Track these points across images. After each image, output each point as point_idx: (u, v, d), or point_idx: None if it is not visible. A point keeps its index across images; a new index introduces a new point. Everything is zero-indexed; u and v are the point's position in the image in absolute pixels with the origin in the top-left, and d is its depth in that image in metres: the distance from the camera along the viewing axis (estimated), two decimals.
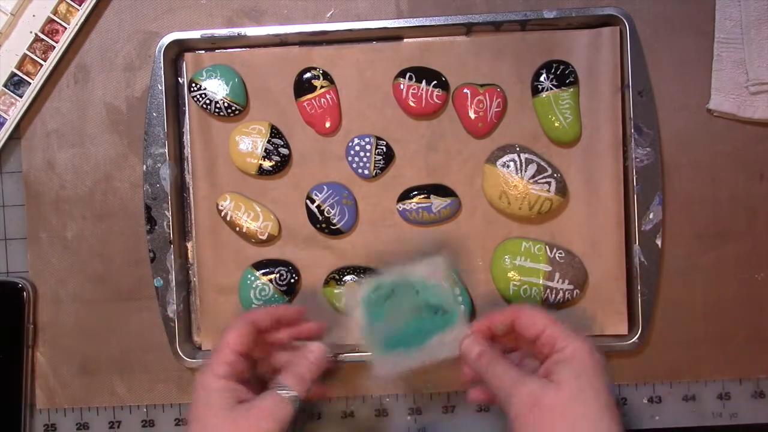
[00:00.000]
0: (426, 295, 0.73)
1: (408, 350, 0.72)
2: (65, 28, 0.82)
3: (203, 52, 0.82)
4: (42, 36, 0.82)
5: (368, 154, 0.81)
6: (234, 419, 0.64)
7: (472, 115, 0.80)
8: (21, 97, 0.83)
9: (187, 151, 0.83)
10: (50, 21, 0.82)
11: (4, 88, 0.82)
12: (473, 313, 0.82)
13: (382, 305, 0.73)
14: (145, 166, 0.80)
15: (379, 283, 0.74)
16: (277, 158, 0.81)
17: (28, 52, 0.82)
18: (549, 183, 0.79)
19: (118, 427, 0.85)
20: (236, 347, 0.68)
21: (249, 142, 0.81)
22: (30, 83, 0.83)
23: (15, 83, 0.83)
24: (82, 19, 0.82)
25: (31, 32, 0.82)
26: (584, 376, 0.64)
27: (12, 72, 0.82)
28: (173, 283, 0.81)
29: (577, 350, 0.65)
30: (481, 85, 0.80)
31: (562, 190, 0.79)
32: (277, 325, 0.74)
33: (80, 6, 0.82)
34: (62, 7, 0.82)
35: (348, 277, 0.81)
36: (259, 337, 0.71)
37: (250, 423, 0.64)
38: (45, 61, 0.82)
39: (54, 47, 0.82)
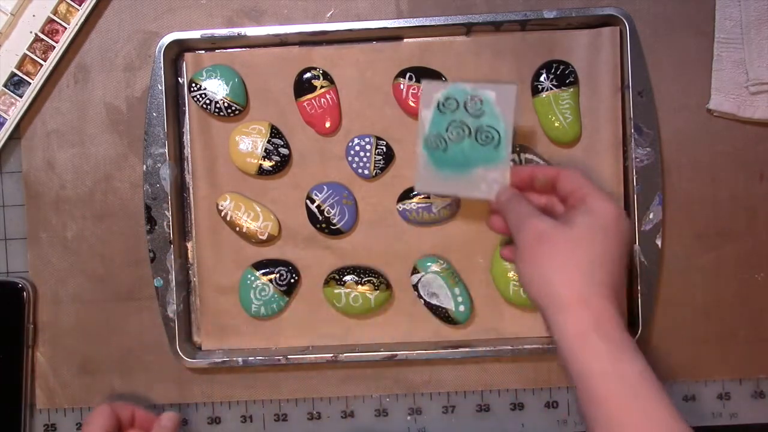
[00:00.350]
0: (489, 119, 0.73)
1: (453, 173, 0.74)
2: (65, 28, 0.82)
3: (203, 52, 0.82)
4: (42, 36, 0.82)
5: (368, 154, 0.81)
6: None
7: None
8: (21, 97, 0.83)
9: (187, 151, 0.83)
10: (50, 21, 0.82)
11: (4, 88, 0.82)
12: (473, 313, 0.82)
13: (448, 115, 0.74)
14: (145, 166, 0.80)
15: (455, 90, 0.74)
16: (277, 158, 0.81)
17: (28, 52, 0.82)
18: None
19: None
20: (104, 425, 0.73)
21: (249, 142, 0.81)
22: (30, 83, 0.83)
23: (15, 83, 0.83)
24: (82, 19, 0.82)
25: (31, 32, 0.82)
26: (598, 230, 0.65)
27: (12, 72, 0.82)
28: (173, 283, 0.81)
29: (604, 209, 0.65)
30: None
31: None
32: (131, 422, 0.77)
33: (80, 6, 0.82)
34: (62, 7, 0.82)
35: (348, 277, 0.80)
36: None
37: None
38: (45, 61, 0.82)
39: (54, 47, 0.82)
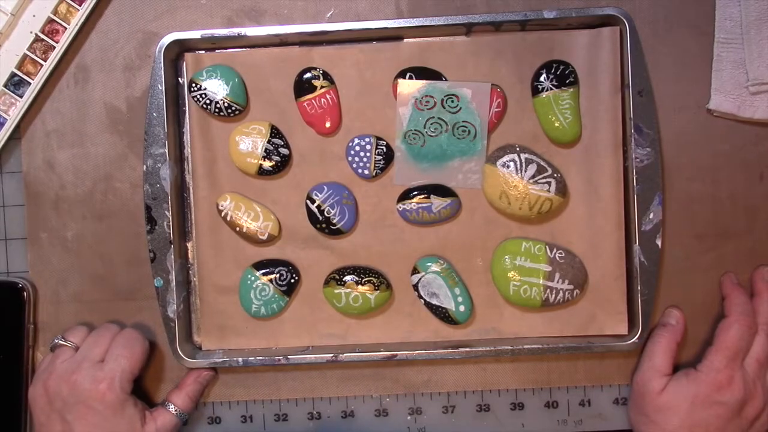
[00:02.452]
0: (465, 115, 0.80)
1: (431, 165, 0.81)
2: (65, 29, 0.82)
3: (203, 52, 0.82)
4: (42, 36, 0.82)
5: (368, 154, 0.81)
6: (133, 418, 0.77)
7: None
8: (21, 97, 0.83)
9: (188, 151, 0.83)
10: (50, 21, 0.82)
11: (4, 89, 0.82)
12: (473, 313, 0.82)
13: (426, 112, 0.80)
14: (145, 166, 0.80)
15: (432, 88, 0.80)
16: (278, 158, 0.81)
17: (28, 53, 0.82)
18: (549, 183, 0.79)
19: None
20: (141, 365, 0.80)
21: (249, 142, 0.81)
22: (30, 83, 0.83)
23: (15, 83, 0.83)
24: (82, 20, 0.82)
25: (31, 32, 0.82)
26: (695, 401, 0.75)
27: (12, 72, 0.82)
28: (173, 283, 0.81)
29: (713, 378, 0.75)
30: None
31: (562, 190, 0.79)
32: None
33: (80, 6, 0.82)
34: (62, 8, 0.82)
35: (348, 277, 0.80)
36: None
37: (148, 426, 0.78)
38: (45, 61, 0.82)
39: (54, 47, 0.82)
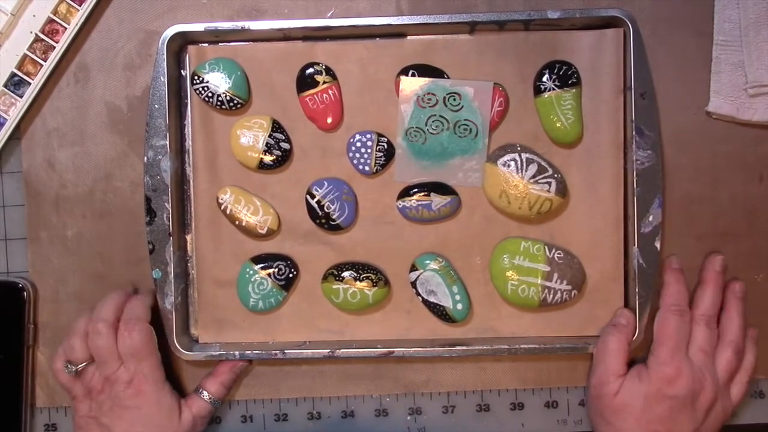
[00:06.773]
0: (467, 114, 0.80)
1: (431, 163, 0.81)
2: (65, 28, 0.82)
3: (206, 45, 0.82)
4: (42, 36, 0.82)
5: (369, 150, 0.81)
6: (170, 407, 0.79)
7: None
8: (21, 97, 0.83)
9: (189, 143, 0.83)
10: (50, 21, 0.82)
11: (4, 89, 0.82)
12: (470, 312, 0.82)
13: (428, 110, 0.80)
14: (146, 158, 0.80)
15: (434, 86, 0.80)
16: (278, 153, 0.81)
17: (28, 53, 0.82)
18: (549, 183, 0.79)
19: None
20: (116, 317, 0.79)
21: (250, 136, 0.81)
22: (30, 83, 0.82)
23: (15, 83, 0.83)
24: (82, 19, 0.82)
25: (31, 32, 0.82)
26: (649, 397, 0.75)
27: (12, 72, 0.82)
28: (171, 275, 0.80)
29: (661, 373, 0.75)
30: None
31: (563, 190, 0.79)
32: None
33: (80, 6, 0.82)
34: (62, 8, 0.82)
35: (346, 273, 0.80)
36: None
37: (184, 415, 0.80)
38: (45, 61, 0.82)
39: (54, 47, 0.82)
